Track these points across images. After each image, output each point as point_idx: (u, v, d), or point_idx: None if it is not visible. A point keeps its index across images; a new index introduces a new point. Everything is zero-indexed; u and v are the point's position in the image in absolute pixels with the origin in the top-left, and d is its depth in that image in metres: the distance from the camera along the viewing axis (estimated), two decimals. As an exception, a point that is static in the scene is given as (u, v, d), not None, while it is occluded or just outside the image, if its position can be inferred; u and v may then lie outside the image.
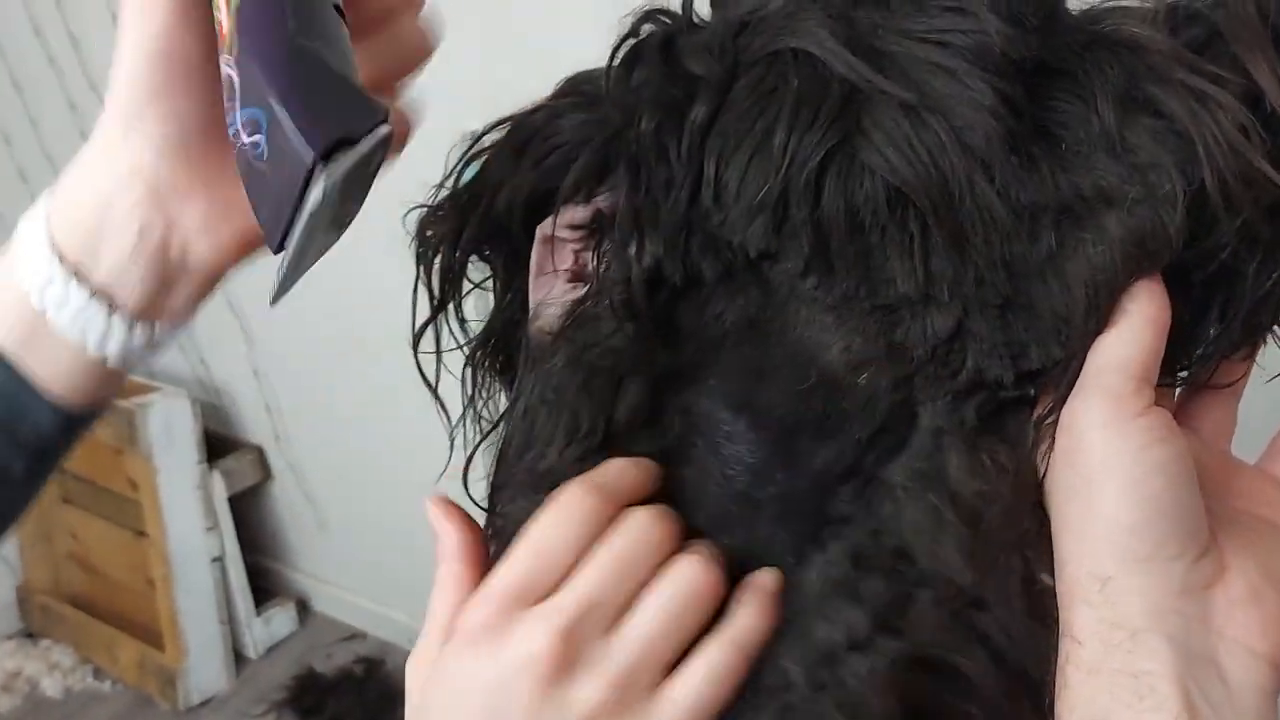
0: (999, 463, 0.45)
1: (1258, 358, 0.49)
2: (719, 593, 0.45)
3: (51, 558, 2.36)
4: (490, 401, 0.53)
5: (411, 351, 0.51)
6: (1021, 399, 0.48)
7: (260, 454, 2.31)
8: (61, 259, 0.44)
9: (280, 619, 2.31)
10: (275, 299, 0.39)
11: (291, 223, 0.37)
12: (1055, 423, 0.44)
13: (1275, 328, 0.47)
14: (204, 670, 2.15)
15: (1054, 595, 0.46)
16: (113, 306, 0.45)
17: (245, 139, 0.38)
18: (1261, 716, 0.40)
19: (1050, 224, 0.43)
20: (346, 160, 0.36)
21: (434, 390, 0.52)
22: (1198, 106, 0.41)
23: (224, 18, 0.39)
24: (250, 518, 2.34)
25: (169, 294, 0.46)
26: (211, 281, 0.47)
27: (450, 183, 0.49)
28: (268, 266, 0.47)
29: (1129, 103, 0.42)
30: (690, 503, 0.49)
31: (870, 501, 0.47)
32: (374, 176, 0.40)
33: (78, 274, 0.44)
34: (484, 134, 0.49)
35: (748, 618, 0.45)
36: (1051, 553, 0.48)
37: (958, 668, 0.45)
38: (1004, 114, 0.42)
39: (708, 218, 0.45)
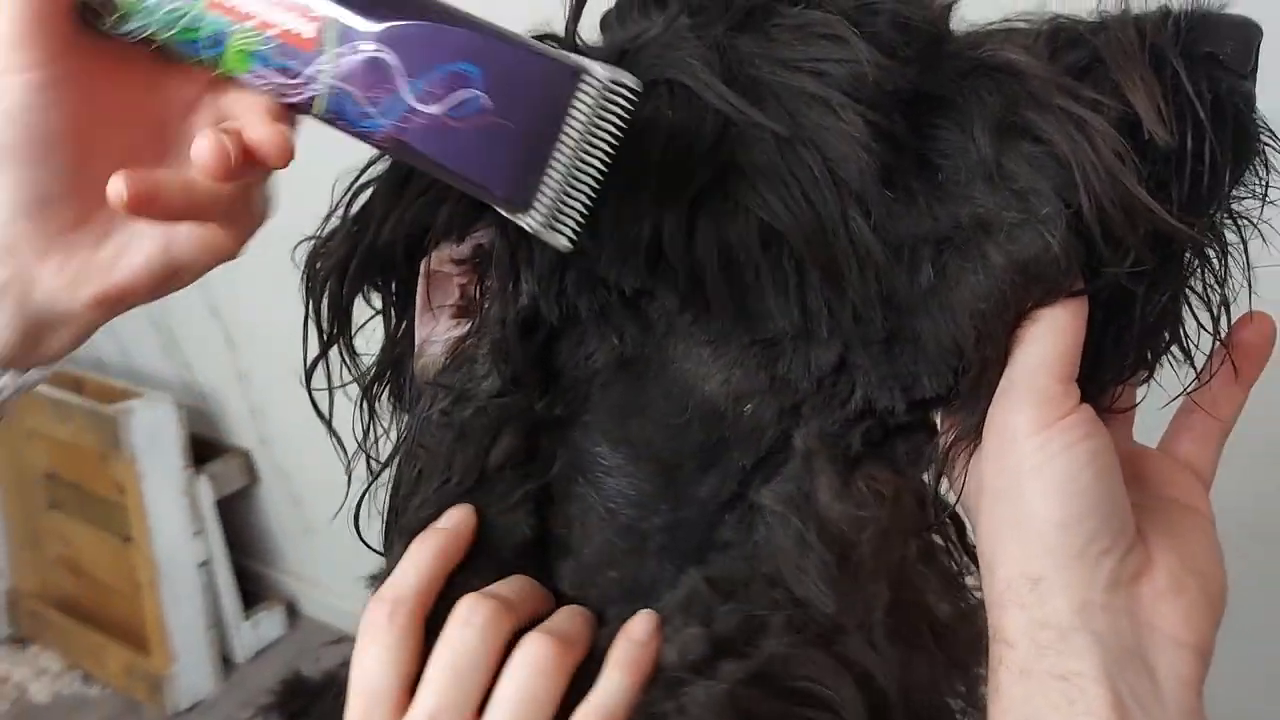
0: (875, 489, 0.45)
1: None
2: (571, 660, 0.45)
3: (40, 563, 2.36)
4: (385, 438, 0.53)
5: (305, 389, 0.50)
6: (915, 424, 0.47)
7: (247, 458, 2.31)
8: None
9: (269, 622, 2.30)
10: (541, 222, 0.39)
11: (552, 143, 0.38)
12: (972, 437, 0.44)
13: (1169, 354, 0.46)
14: (191, 675, 2.14)
15: (929, 618, 0.46)
16: None
17: (433, 108, 0.38)
18: (1188, 709, 0.40)
19: (930, 256, 0.42)
20: (609, 71, 0.38)
21: (329, 425, 0.52)
22: (1075, 133, 0.40)
23: (303, 24, 0.39)
24: (238, 521, 2.34)
25: (36, 344, 0.44)
26: (84, 333, 0.45)
27: (339, 215, 0.49)
28: (251, 268, 0.46)
29: (1007, 130, 0.41)
30: (575, 539, 0.48)
31: (750, 527, 0.47)
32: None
33: None
34: (369, 165, 0.48)
35: (615, 679, 0.45)
36: (941, 574, 0.48)
37: (811, 692, 0.44)
38: (878, 147, 0.41)
39: (583, 255, 0.44)
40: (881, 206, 0.41)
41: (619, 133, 0.39)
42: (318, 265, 0.48)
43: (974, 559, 0.52)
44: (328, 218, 0.49)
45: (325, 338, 0.49)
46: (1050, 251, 0.40)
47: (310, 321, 0.49)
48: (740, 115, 0.41)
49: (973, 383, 0.44)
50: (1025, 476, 0.41)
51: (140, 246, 0.42)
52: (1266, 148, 0.43)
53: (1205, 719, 0.41)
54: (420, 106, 0.38)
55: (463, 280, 0.47)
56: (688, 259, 0.43)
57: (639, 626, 0.46)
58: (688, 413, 0.46)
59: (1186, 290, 0.45)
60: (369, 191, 0.48)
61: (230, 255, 0.44)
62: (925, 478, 0.49)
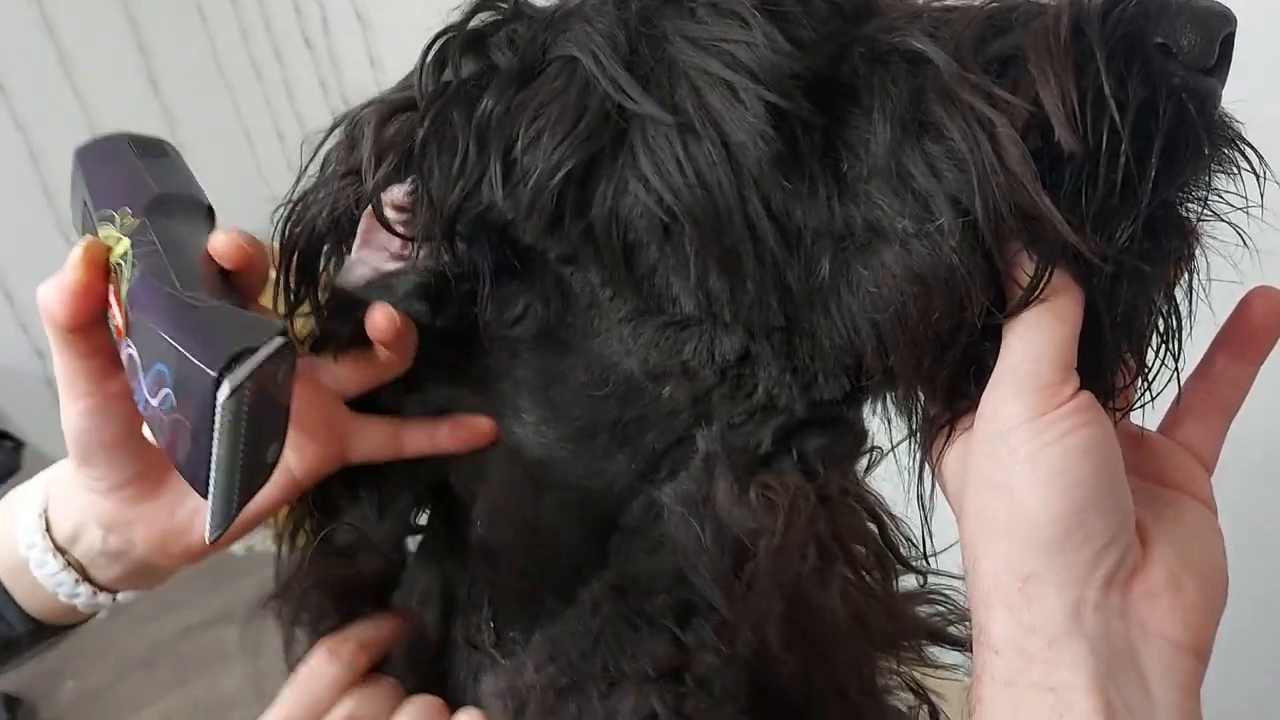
0: (769, 499, 0.44)
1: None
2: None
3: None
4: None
5: None
6: (827, 421, 0.46)
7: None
8: (49, 530, 0.51)
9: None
10: (211, 535, 0.41)
11: (210, 449, 0.39)
12: (947, 428, 0.42)
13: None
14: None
15: (830, 622, 0.45)
16: (83, 577, 0.52)
17: (154, 401, 0.40)
18: (1183, 714, 0.37)
19: (829, 251, 0.41)
20: (247, 366, 0.38)
21: None
22: (978, 132, 0.37)
23: (118, 313, 0.43)
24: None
25: (137, 579, 0.52)
26: (174, 571, 0.53)
27: (303, 176, 0.50)
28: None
29: (910, 125, 0.38)
30: (487, 467, 0.50)
31: (657, 518, 0.47)
32: (286, 405, 0.42)
33: (58, 548, 0.51)
34: (332, 129, 0.50)
35: None
36: (853, 561, 0.47)
37: (710, 689, 0.44)
38: (777, 134, 0.39)
39: (493, 210, 0.44)
40: (780, 195, 0.40)
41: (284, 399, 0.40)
42: (290, 226, 0.50)
43: (895, 553, 0.50)
44: (298, 180, 0.51)
45: (293, 298, 0.51)
46: (947, 263, 0.38)
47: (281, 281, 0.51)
48: (632, 103, 0.40)
49: (882, 385, 0.42)
50: (1018, 467, 0.38)
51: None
52: (1226, 150, 0.38)
53: None
54: (149, 399, 0.41)
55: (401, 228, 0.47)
56: (586, 227, 0.42)
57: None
58: (608, 387, 0.46)
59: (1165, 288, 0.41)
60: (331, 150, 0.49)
61: (298, 487, 0.49)
62: (848, 476, 0.47)
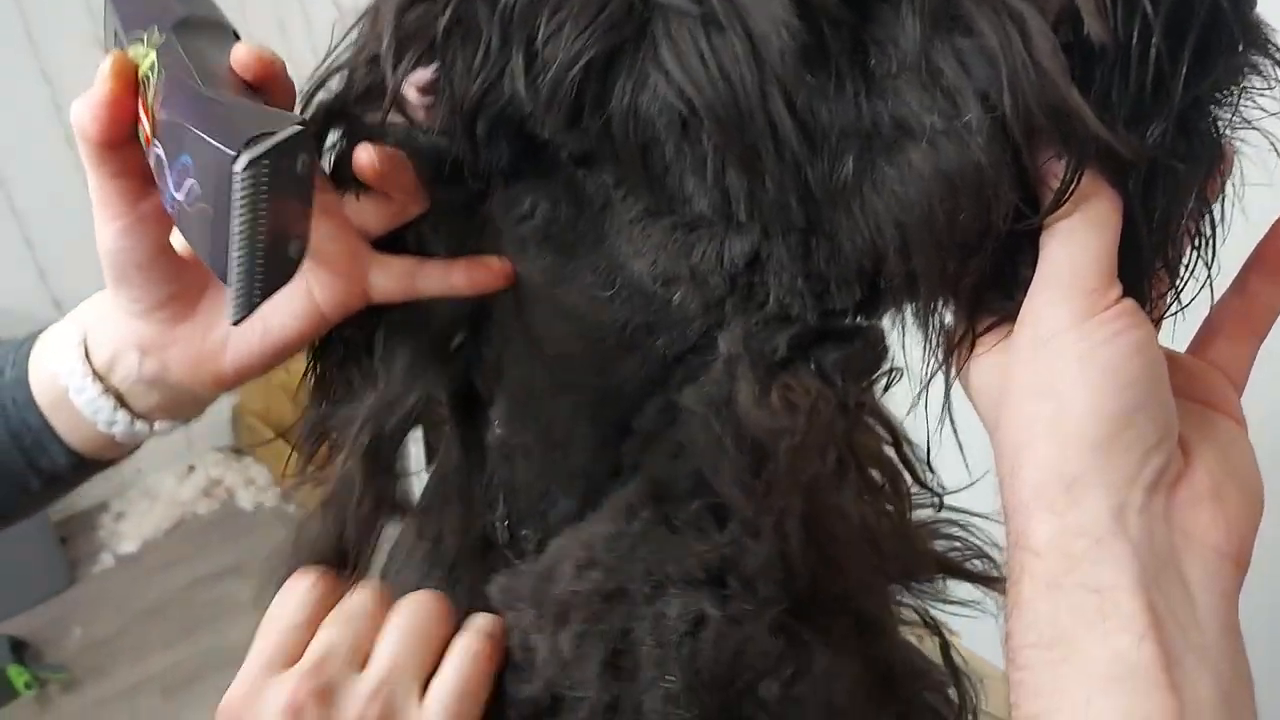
0: (790, 400, 0.43)
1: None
2: (449, 612, 0.47)
3: (265, 385, 2.59)
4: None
5: None
6: (843, 333, 0.45)
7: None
8: (88, 358, 0.52)
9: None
10: (233, 316, 0.41)
11: (229, 231, 0.39)
12: (970, 340, 0.42)
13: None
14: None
15: (847, 527, 0.44)
16: (120, 404, 0.52)
17: (180, 196, 0.41)
18: (1225, 621, 0.37)
19: (854, 150, 0.40)
20: (264, 144, 0.38)
21: None
22: (1009, 25, 0.36)
23: (146, 123, 0.43)
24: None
25: (173, 407, 0.53)
26: (213, 399, 0.54)
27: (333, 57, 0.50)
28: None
29: (940, 20, 0.37)
30: (505, 363, 0.50)
31: (673, 422, 0.47)
32: (307, 199, 0.42)
33: (96, 374, 0.52)
34: (362, 17, 0.49)
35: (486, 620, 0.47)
36: (885, 476, 0.46)
37: (755, 590, 0.44)
38: (803, 27, 0.38)
39: (514, 103, 0.43)
40: (804, 92, 0.39)
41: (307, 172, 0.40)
42: (315, 102, 0.50)
43: (913, 471, 0.50)
44: (327, 56, 0.50)
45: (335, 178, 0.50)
46: (974, 163, 0.37)
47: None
48: None
49: (901, 292, 0.41)
50: (1066, 369, 0.38)
51: (243, 334, 0.50)
52: (1260, 51, 0.37)
53: (1241, 632, 0.38)
54: (175, 194, 0.41)
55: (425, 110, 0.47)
56: (605, 122, 0.42)
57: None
58: (615, 288, 0.46)
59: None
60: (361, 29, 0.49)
61: (322, 320, 0.49)
62: (863, 386, 0.47)
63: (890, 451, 0.49)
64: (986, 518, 0.57)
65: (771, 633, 0.44)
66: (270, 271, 0.41)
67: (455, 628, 0.47)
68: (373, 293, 0.50)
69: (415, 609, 0.47)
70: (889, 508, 0.48)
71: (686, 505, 0.45)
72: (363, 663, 0.46)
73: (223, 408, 2.60)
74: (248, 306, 0.41)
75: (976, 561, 0.57)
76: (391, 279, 0.50)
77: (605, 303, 0.46)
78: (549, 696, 0.45)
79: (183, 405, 0.53)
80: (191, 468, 2.54)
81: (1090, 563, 0.37)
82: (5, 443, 0.54)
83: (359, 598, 0.47)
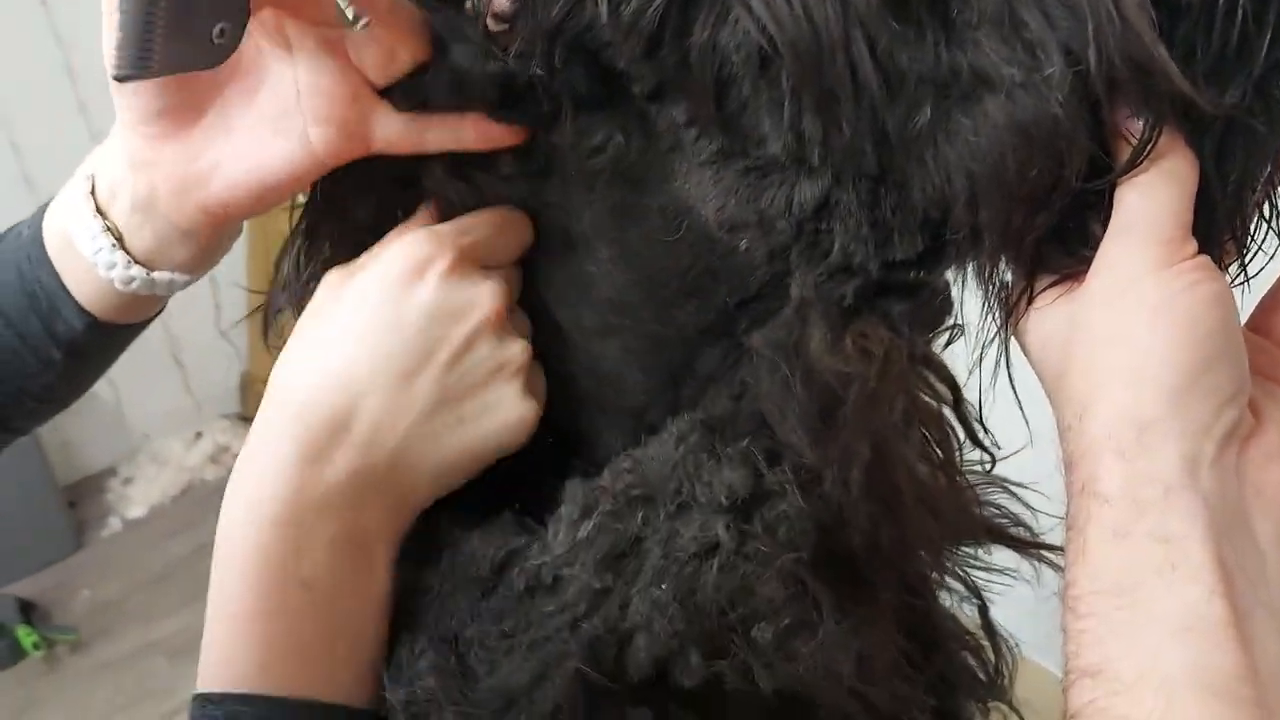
0: (864, 347, 0.44)
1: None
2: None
3: (275, 354, 2.60)
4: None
5: None
6: (909, 285, 0.45)
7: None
8: (94, 194, 0.51)
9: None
10: (113, 70, 0.41)
11: None
12: (1029, 294, 0.42)
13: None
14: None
15: (908, 480, 0.44)
16: (120, 243, 0.51)
17: None
18: None
19: (930, 99, 0.40)
20: None
21: None
22: None
23: None
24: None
25: (165, 247, 0.52)
26: (205, 242, 0.52)
27: None
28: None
29: None
30: (563, 296, 0.50)
31: (737, 366, 0.47)
32: None
33: (99, 210, 0.51)
34: None
35: None
36: (938, 436, 0.46)
37: (775, 533, 0.44)
38: None
39: (591, 34, 0.43)
40: (886, 37, 0.39)
41: None
42: None
43: (968, 429, 0.50)
44: None
45: None
46: (1052, 116, 0.37)
47: None
48: None
49: (966, 245, 0.41)
50: (1143, 317, 0.38)
51: (233, 164, 0.48)
52: None
53: None
54: None
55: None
56: (682, 54, 0.42)
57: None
58: (680, 232, 0.46)
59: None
60: None
61: (316, 163, 0.48)
62: (925, 339, 0.47)
63: (946, 410, 0.49)
64: (1024, 486, 0.58)
65: (780, 579, 0.43)
66: (173, 35, 0.40)
67: None
68: (375, 142, 0.48)
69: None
70: (945, 466, 0.48)
71: (737, 441, 0.45)
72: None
73: (231, 375, 2.61)
74: (135, 64, 0.40)
75: (1020, 529, 0.57)
76: (398, 127, 0.48)
77: (670, 246, 0.46)
78: (550, 576, 0.45)
79: (173, 245, 0.52)
80: (199, 434, 2.54)
81: (1160, 511, 0.36)
82: (23, 306, 0.53)
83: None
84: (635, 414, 0.50)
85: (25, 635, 2.01)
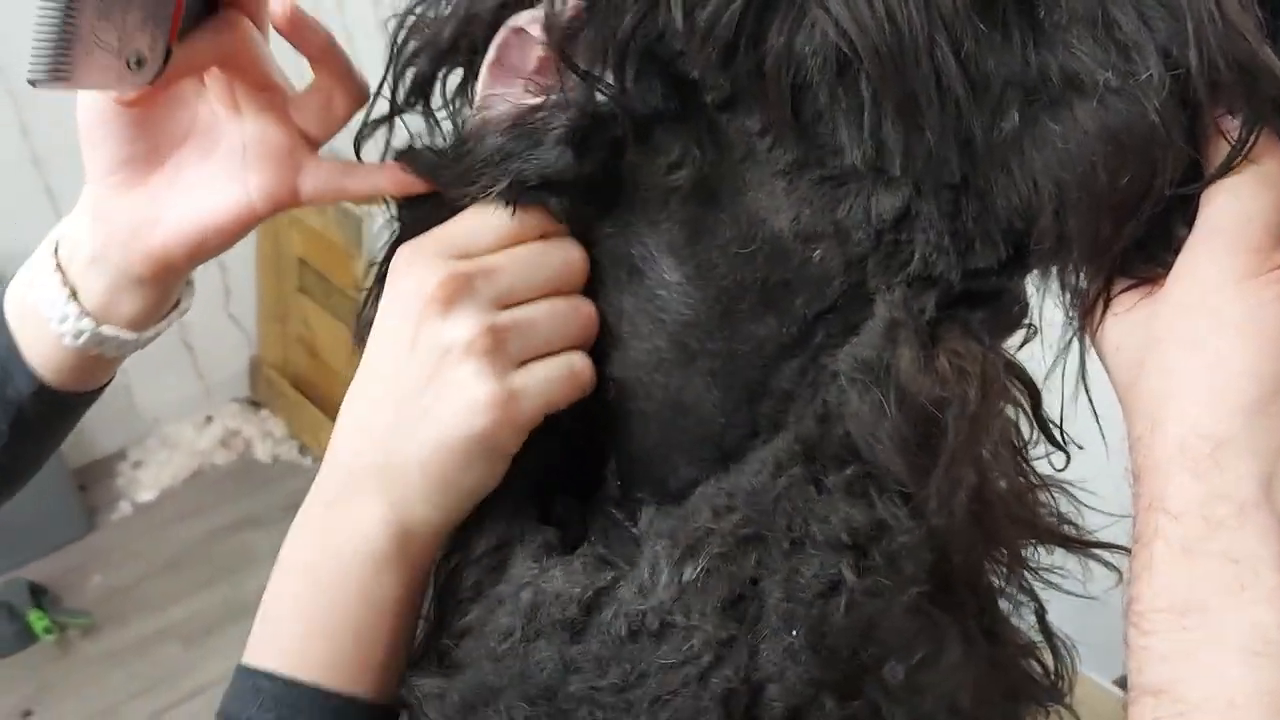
0: (960, 366, 0.42)
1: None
2: (593, 323, 0.49)
3: (283, 338, 2.59)
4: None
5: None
6: (988, 293, 0.44)
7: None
8: (56, 254, 0.54)
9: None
10: (28, 73, 0.41)
11: None
12: (1106, 299, 0.41)
13: None
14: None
15: (991, 494, 0.43)
16: (74, 295, 0.53)
17: None
18: None
19: (1017, 103, 0.39)
20: None
21: None
22: None
23: None
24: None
25: (118, 298, 0.54)
26: (151, 293, 0.54)
27: None
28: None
29: None
30: (623, 331, 0.49)
31: (816, 384, 0.45)
32: (164, 6, 0.42)
33: (59, 267, 0.54)
34: None
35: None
36: (1020, 459, 0.45)
37: (899, 567, 0.43)
38: None
39: (664, 42, 0.42)
40: (974, 38, 0.38)
41: None
42: (406, 38, 0.48)
43: (1046, 432, 0.49)
44: None
45: (392, 106, 0.50)
46: (1147, 122, 0.36)
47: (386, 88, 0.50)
48: None
49: (1049, 254, 0.41)
50: (1224, 325, 0.37)
51: (177, 211, 0.51)
52: None
53: None
54: None
55: (542, 50, 0.45)
56: (758, 62, 0.40)
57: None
58: (755, 244, 0.45)
59: None
60: None
61: (252, 211, 0.51)
62: (1002, 348, 0.46)
63: (1022, 415, 0.48)
64: (1076, 485, 0.57)
65: (908, 613, 0.43)
66: (91, 52, 0.41)
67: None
68: (303, 191, 0.52)
69: (574, 304, 0.49)
70: (1021, 475, 0.47)
71: (839, 469, 0.43)
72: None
73: (241, 359, 2.60)
74: (51, 72, 0.42)
75: (1070, 527, 0.56)
76: (320, 180, 0.52)
77: (745, 259, 0.45)
78: (657, 621, 0.44)
79: (122, 295, 0.53)
80: (209, 418, 2.53)
81: (1231, 530, 0.35)
82: None
83: (558, 254, 0.49)
84: (713, 439, 0.48)
85: (37, 619, 2.01)
